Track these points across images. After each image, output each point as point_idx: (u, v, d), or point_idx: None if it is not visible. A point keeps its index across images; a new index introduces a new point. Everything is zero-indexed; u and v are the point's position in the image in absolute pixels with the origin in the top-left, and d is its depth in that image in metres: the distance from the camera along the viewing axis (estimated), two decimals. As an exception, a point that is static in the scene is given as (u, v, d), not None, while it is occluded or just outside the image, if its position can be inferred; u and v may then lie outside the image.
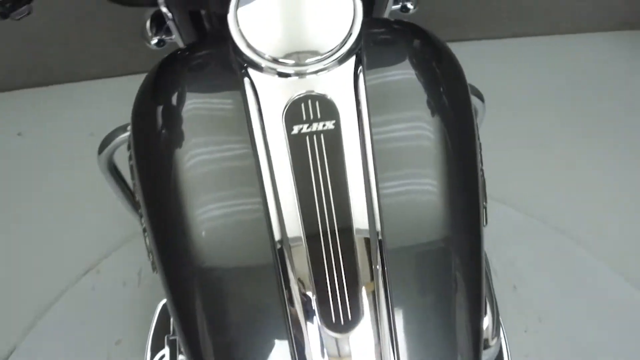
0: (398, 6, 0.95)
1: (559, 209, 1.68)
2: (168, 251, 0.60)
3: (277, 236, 0.54)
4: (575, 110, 1.99)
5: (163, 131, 0.63)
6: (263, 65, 0.58)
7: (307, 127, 0.55)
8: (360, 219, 0.54)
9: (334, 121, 0.56)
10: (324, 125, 0.55)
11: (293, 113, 0.56)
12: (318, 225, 0.53)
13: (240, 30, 0.59)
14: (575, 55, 2.16)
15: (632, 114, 2.00)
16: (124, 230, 1.61)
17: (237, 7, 0.61)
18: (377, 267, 0.53)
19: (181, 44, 0.92)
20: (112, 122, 0.86)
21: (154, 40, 0.92)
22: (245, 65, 0.59)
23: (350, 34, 0.59)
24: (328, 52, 0.57)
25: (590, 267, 1.56)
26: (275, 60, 0.57)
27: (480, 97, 0.83)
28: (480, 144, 0.68)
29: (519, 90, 2.03)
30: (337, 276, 0.52)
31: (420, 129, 0.61)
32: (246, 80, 0.59)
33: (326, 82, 0.57)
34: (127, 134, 0.84)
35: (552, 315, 1.46)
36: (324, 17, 0.59)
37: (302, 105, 0.56)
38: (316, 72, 0.57)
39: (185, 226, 0.57)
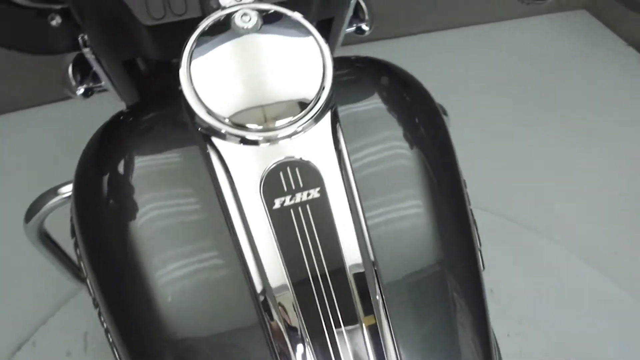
0: (352, 29, 0.87)
1: (524, 204, 1.67)
2: (130, 326, 0.54)
3: (258, 288, 0.49)
4: (524, 96, 2.00)
5: (111, 200, 0.57)
6: (227, 132, 0.49)
7: (290, 199, 0.49)
8: (351, 254, 0.49)
9: (318, 188, 0.50)
10: (308, 195, 0.49)
11: (272, 185, 0.49)
12: (305, 268, 0.48)
13: (195, 92, 0.49)
14: (513, 42, 2.18)
15: (579, 95, 2.04)
16: (60, 289, 1.42)
17: (189, 61, 0.50)
18: (377, 297, 0.49)
19: (114, 93, 0.79)
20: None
21: (80, 90, 0.78)
22: (206, 132, 0.51)
23: (323, 87, 0.51)
24: (301, 111, 0.50)
25: (564, 263, 1.56)
26: (241, 127, 0.49)
27: (444, 112, 0.78)
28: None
29: (464, 81, 2.01)
30: (332, 317, 0.48)
31: (407, 170, 0.58)
32: (209, 147, 0.51)
33: (303, 145, 0.50)
34: (58, 198, 0.80)
35: (532, 316, 1.43)
36: (290, 69, 0.51)
37: (281, 174, 0.49)
38: (290, 135, 0.50)
39: (148, 295, 0.51)
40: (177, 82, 0.62)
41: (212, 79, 0.50)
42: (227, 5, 0.53)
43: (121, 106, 0.88)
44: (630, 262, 1.60)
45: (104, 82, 0.76)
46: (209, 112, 0.49)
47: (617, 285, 1.53)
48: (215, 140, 0.50)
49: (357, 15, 0.85)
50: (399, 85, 0.66)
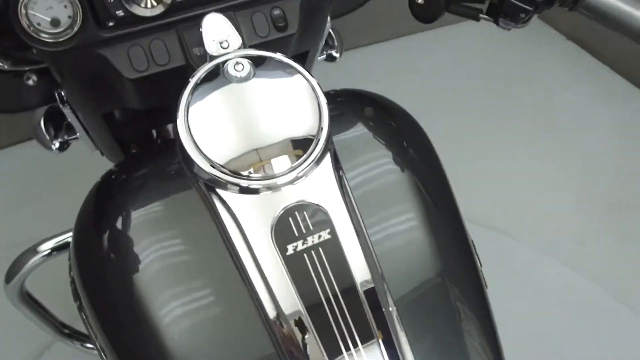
0: (323, 56, 0.90)
1: (485, 206, 1.70)
2: None
3: (271, 315, 0.50)
4: (469, 99, 2.06)
5: (112, 255, 0.57)
6: (231, 182, 0.50)
7: (302, 244, 0.50)
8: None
9: (328, 229, 0.51)
10: (319, 237, 0.50)
11: (282, 231, 0.50)
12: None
13: (196, 144, 0.49)
14: (453, 46, 2.24)
15: (524, 93, 2.11)
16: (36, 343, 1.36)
17: (187, 113, 0.50)
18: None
19: (89, 144, 0.78)
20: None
21: (55, 145, 0.76)
22: (208, 182, 0.51)
23: (322, 128, 0.51)
24: (302, 156, 0.50)
25: (531, 261, 1.60)
26: (245, 177, 0.49)
27: None
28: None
29: (410, 88, 2.05)
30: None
31: (405, 192, 0.61)
32: (213, 197, 0.51)
33: (307, 189, 0.51)
34: (39, 256, 0.80)
35: (509, 317, 1.46)
36: (288, 114, 0.52)
37: (290, 220, 0.50)
38: (293, 181, 0.50)
39: (160, 339, 0.52)
40: (161, 130, 0.61)
41: (211, 129, 0.50)
42: (215, 54, 0.53)
43: (94, 155, 0.86)
44: (595, 254, 1.65)
45: (79, 133, 0.75)
46: (213, 165, 0.49)
47: (585, 277, 1.58)
48: (219, 190, 0.50)
49: (327, 43, 0.87)
50: (382, 113, 0.68)
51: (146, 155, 0.66)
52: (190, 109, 0.50)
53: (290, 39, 0.62)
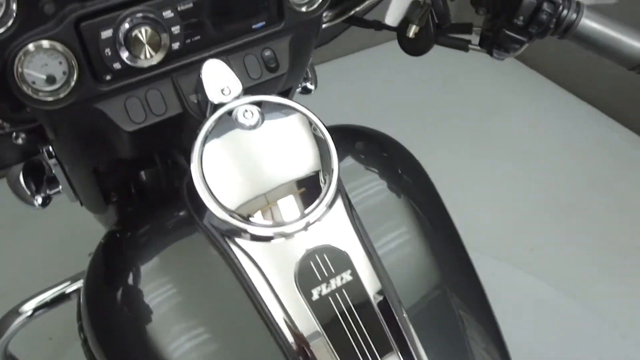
0: (299, 89, 0.90)
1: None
2: None
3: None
4: (420, 111, 2.10)
5: (126, 309, 0.56)
6: (252, 232, 0.49)
7: (326, 287, 0.50)
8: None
9: (349, 271, 0.51)
10: (342, 279, 0.51)
11: (305, 277, 0.50)
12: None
13: (212, 193, 0.48)
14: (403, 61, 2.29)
15: (472, 103, 2.17)
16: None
17: (201, 162, 0.49)
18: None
19: (71, 196, 0.75)
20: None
21: (38, 200, 0.72)
22: (225, 232, 0.51)
23: (332, 169, 0.52)
24: (315, 201, 0.51)
25: (486, 268, 1.64)
26: (263, 225, 0.49)
27: None
28: None
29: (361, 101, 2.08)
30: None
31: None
32: (232, 247, 0.51)
33: (324, 232, 0.51)
34: (22, 317, 0.79)
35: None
36: (296, 157, 0.52)
37: (312, 264, 0.50)
38: (309, 225, 0.50)
39: None
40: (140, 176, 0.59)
41: (224, 178, 0.49)
42: (216, 102, 0.52)
43: (74, 206, 0.82)
44: (546, 257, 1.72)
45: (62, 186, 0.71)
46: (231, 215, 0.48)
47: (537, 277, 1.64)
48: (238, 240, 0.50)
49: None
50: (374, 146, 0.70)
51: (144, 210, 0.65)
52: (203, 159, 0.49)
53: (281, 79, 0.62)
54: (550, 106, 2.23)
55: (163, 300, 0.54)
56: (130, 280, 0.55)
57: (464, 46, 0.66)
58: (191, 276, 0.55)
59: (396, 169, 0.68)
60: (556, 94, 2.28)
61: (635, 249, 1.74)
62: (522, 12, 0.55)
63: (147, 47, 0.51)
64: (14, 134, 0.57)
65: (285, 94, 0.77)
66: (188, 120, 0.56)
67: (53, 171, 0.66)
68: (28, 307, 0.78)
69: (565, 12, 0.57)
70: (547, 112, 2.20)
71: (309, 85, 0.90)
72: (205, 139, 0.49)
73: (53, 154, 0.61)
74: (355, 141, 0.69)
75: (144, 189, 0.81)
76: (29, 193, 0.71)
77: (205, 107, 0.54)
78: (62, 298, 0.81)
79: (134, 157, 0.61)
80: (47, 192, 0.72)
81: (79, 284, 0.87)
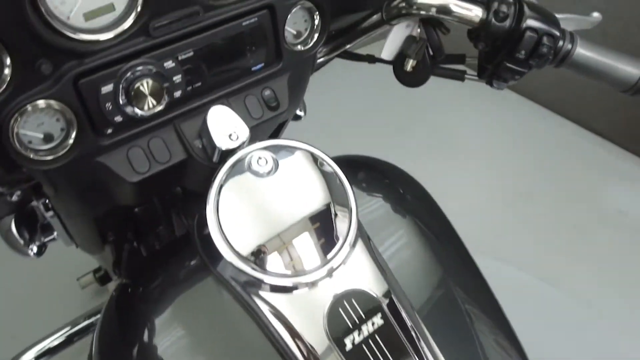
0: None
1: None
2: None
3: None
4: (380, 118, 2.16)
5: None
6: (268, 282, 0.47)
7: (358, 334, 0.47)
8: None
9: (380, 314, 0.48)
10: (373, 324, 0.48)
11: (335, 326, 0.47)
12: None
13: (230, 243, 0.46)
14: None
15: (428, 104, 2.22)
16: None
17: (217, 213, 0.47)
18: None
19: (67, 241, 0.72)
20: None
21: (33, 249, 0.69)
22: (246, 284, 0.48)
23: (351, 209, 0.50)
24: (337, 243, 0.48)
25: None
26: (283, 275, 0.47)
27: None
28: None
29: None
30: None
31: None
32: (255, 298, 0.48)
33: (349, 275, 0.49)
34: None
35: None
36: (314, 204, 0.50)
37: (341, 311, 0.47)
38: (330, 273, 0.48)
39: None
40: (152, 215, 0.58)
41: (241, 227, 0.47)
42: (224, 148, 0.51)
43: (70, 250, 0.80)
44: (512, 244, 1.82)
45: (58, 232, 0.69)
46: (254, 268, 0.46)
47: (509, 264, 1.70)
48: (261, 292, 0.48)
49: None
50: (377, 174, 0.71)
51: (154, 259, 0.63)
52: (220, 208, 0.47)
53: (281, 116, 0.61)
54: (501, 107, 2.33)
55: (182, 356, 0.52)
56: (145, 337, 0.53)
57: (460, 77, 0.66)
58: (209, 328, 0.53)
59: (404, 197, 0.69)
60: (510, 98, 2.38)
61: (579, 224, 1.90)
62: (523, 46, 0.56)
63: (149, 98, 0.49)
64: (10, 192, 0.55)
65: (281, 125, 0.76)
66: (192, 164, 0.55)
67: (46, 219, 0.64)
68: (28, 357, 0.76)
69: (561, 43, 0.57)
70: (499, 112, 2.31)
71: (299, 112, 0.90)
72: (220, 188, 0.48)
73: (50, 206, 0.59)
74: (354, 171, 0.69)
75: (140, 226, 0.79)
76: (22, 243, 0.69)
77: (211, 151, 0.53)
78: (64, 344, 0.79)
79: (136, 204, 0.60)
80: (42, 240, 0.70)
81: (81, 325, 0.86)
